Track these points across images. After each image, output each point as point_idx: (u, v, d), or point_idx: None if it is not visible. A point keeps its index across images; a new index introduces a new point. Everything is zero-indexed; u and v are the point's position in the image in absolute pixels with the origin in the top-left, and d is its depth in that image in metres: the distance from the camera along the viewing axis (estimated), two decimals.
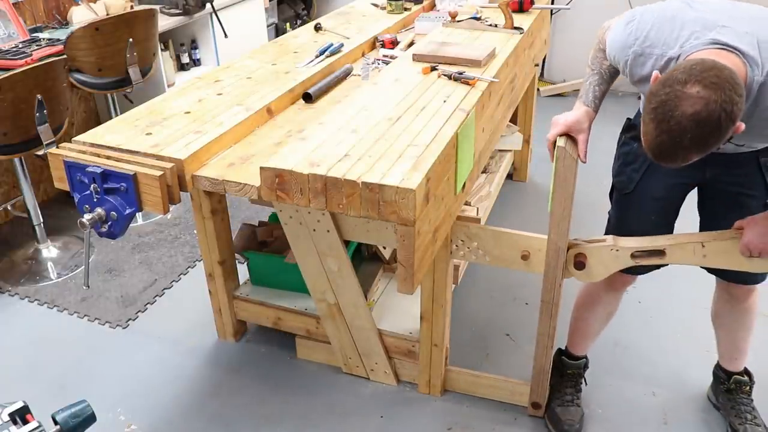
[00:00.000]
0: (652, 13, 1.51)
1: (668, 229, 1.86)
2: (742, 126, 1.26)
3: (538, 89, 3.86)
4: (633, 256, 1.75)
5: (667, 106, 1.21)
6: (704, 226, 1.84)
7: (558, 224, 1.76)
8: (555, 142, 1.69)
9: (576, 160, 1.65)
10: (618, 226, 1.90)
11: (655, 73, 1.34)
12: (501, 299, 2.70)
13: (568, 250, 1.81)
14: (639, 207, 1.85)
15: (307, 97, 2.17)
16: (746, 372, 2.09)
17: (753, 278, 1.82)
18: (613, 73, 1.73)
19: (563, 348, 2.18)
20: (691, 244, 1.71)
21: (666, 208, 1.84)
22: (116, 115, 3.28)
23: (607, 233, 1.91)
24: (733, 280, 1.86)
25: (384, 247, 2.49)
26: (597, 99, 1.72)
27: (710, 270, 1.86)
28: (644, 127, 1.29)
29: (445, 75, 2.08)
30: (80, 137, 1.81)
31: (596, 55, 1.75)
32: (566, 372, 2.15)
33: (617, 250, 1.76)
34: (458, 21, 2.63)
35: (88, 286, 2.79)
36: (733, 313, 1.96)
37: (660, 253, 1.73)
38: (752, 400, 2.07)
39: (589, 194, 3.42)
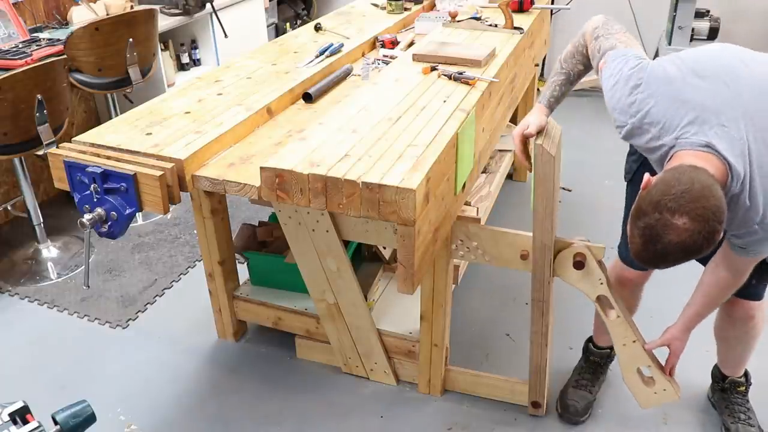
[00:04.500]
0: (658, 83, 1.46)
1: None
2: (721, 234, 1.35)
3: (538, 89, 3.85)
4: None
5: (654, 231, 1.31)
6: None
7: (542, 222, 1.78)
8: (525, 152, 1.77)
9: (554, 157, 1.67)
10: (625, 214, 1.95)
11: (647, 177, 1.37)
12: (501, 299, 2.70)
13: (558, 250, 1.83)
14: (634, 197, 1.88)
15: (307, 97, 2.17)
16: (744, 373, 2.09)
17: (745, 292, 1.79)
18: (581, 75, 1.78)
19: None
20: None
21: None
22: (116, 115, 3.27)
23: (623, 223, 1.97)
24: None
25: (384, 247, 2.49)
26: (553, 98, 1.80)
27: None
28: (631, 236, 1.37)
29: (445, 75, 2.08)
30: (80, 137, 1.81)
31: (573, 55, 1.76)
32: (589, 358, 2.21)
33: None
34: (458, 21, 2.63)
35: (88, 286, 2.79)
36: (736, 334, 1.95)
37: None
38: (748, 401, 2.07)
39: (590, 194, 3.42)
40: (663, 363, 1.86)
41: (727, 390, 2.09)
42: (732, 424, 2.02)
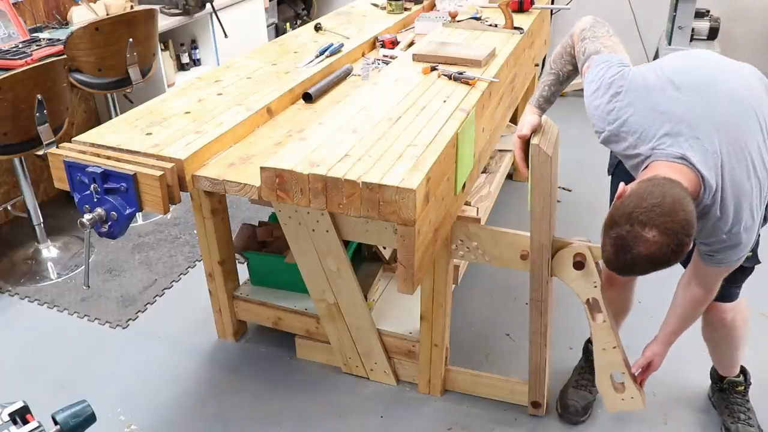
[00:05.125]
0: (637, 92, 1.49)
1: None
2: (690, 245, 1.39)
3: None
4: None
5: (625, 242, 1.35)
6: None
7: (539, 222, 1.78)
8: (523, 158, 1.77)
9: (550, 157, 1.68)
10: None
11: (622, 186, 1.41)
12: (501, 299, 2.70)
13: (556, 249, 1.83)
14: (614, 191, 1.92)
15: (307, 97, 2.17)
16: (742, 372, 2.10)
17: (717, 296, 1.81)
18: (571, 76, 1.80)
19: None
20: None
21: None
22: (116, 115, 3.28)
23: None
24: None
25: (384, 247, 2.49)
26: (542, 98, 1.81)
27: None
28: (603, 244, 1.40)
29: (445, 75, 2.08)
30: (80, 137, 1.81)
31: (562, 55, 1.78)
32: (589, 358, 2.20)
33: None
34: (458, 21, 2.63)
35: (88, 286, 2.79)
36: (716, 335, 1.98)
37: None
38: (747, 401, 2.08)
39: (589, 194, 3.42)
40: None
41: (726, 390, 2.09)
42: (732, 425, 2.02)
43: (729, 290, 1.84)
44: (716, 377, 2.13)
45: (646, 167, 1.47)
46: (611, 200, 1.96)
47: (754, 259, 1.76)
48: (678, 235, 1.31)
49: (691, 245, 1.37)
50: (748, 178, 1.43)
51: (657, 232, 1.31)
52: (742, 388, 2.08)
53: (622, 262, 1.37)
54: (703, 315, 1.92)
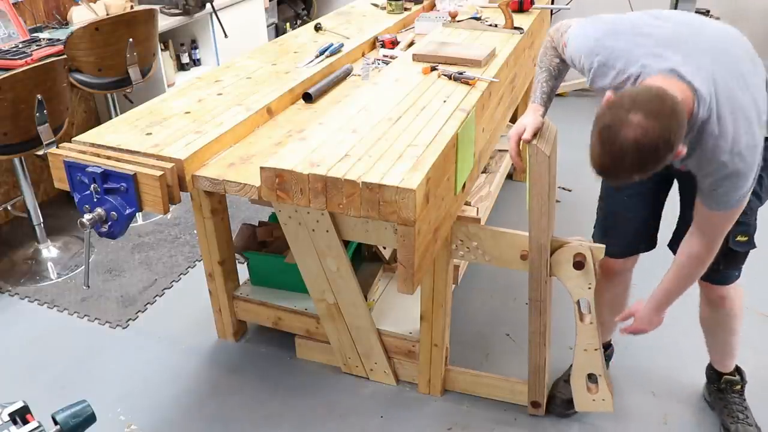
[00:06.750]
0: (621, 23, 1.54)
1: (646, 212, 1.93)
2: (683, 150, 1.36)
3: None
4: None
5: (611, 131, 1.31)
6: (681, 208, 1.88)
7: (537, 222, 1.79)
8: (518, 154, 1.77)
9: (548, 156, 1.67)
10: (600, 200, 2.03)
11: (608, 93, 1.40)
12: (501, 299, 2.70)
13: (555, 249, 1.83)
14: (610, 188, 1.98)
15: (307, 97, 2.17)
16: (738, 371, 2.10)
17: (715, 277, 1.84)
18: (561, 69, 1.82)
19: None
20: None
21: (635, 189, 1.87)
22: (116, 115, 3.28)
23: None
24: (703, 278, 1.88)
25: (384, 247, 2.49)
26: (545, 94, 1.82)
27: None
28: (591, 145, 1.38)
29: (445, 75, 2.08)
30: (80, 137, 1.81)
31: (545, 53, 1.82)
32: None
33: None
34: (458, 21, 2.63)
35: (88, 286, 2.79)
36: (715, 317, 1.98)
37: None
38: (744, 399, 2.08)
39: (589, 194, 3.41)
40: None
41: (724, 390, 2.09)
42: (732, 425, 2.02)
43: (727, 273, 1.84)
44: (713, 377, 2.13)
45: None
46: (601, 195, 2.00)
47: (750, 243, 1.77)
48: (664, 119, 1.28)
49: (683, 152, 1.34)
50: (742, 92, 1.41)
51: (642, 116, 1.28)
52: (740, 387, 2.09)
53: (608, 155, 1.33)
54: (702, 296, 1.95)
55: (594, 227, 2.04)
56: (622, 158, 1.32)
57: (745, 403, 2.07)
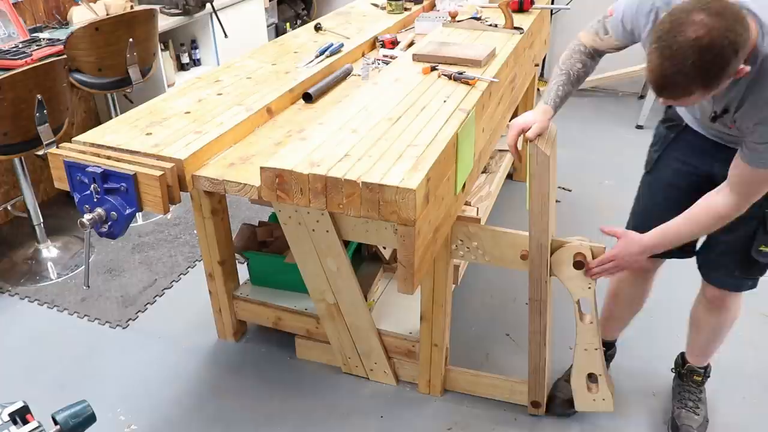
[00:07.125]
0: None
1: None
2: (747, 68, 1.27)
3: (538, 89, 3.86)
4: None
5: (671, 33, 1.22)
6: None
7: (537, 221, 1.79)
8: (516, 144, 1.75)
9: (548, 156, 1.67)
10: (636, 202, 1.98)
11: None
12: (501, 299, 2.70)
13: (555, 249, 1.83)
14: (651, 186, 1.93)
15: (307, 97, 2.17)
16: (705, 367, 2.10)
17: (727, 281, 1.82)
18: (581, 76, 1.79)
19: None
20: None
21: (675, 194, 1.84)
22: (116, 115, 3.28)
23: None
24: (707, 279, 1.88)
25: (384, 247, 2.49)
26: (558, 98, 1.78)
27: (699, 267, 1.90)
28: (648, 59, 1.29)
29: (445, 75, 2.08)
30: (80, 137, 1.81)
31: (571, 56, 1.79)
32: None
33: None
34: (458, 21, 2.63)
35: (88, 286, 2.79)
36: (707, 319, 1.97)
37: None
38: (701, 391, 2.09)
39: (590, 194, 3.42)
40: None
41: (683, 376, 2.11)
42: (677, 410, 2.04)
43: (742, 281, 1.82)
44: (680, 363, 2.13)
45: None
46: (638, 198, 1.96)
47: None
48: (729, 19, 1.19)
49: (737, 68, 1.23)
50: None
51: (705, 15, 1.19)
52: (700, 378, 2.09)
53: (668, 59, 1.22)
54: (703, 295, 1.94)
55: (628, 223, 2.00)
56: (684, 61, 1.21)
57: (701, 395, 2.07)
